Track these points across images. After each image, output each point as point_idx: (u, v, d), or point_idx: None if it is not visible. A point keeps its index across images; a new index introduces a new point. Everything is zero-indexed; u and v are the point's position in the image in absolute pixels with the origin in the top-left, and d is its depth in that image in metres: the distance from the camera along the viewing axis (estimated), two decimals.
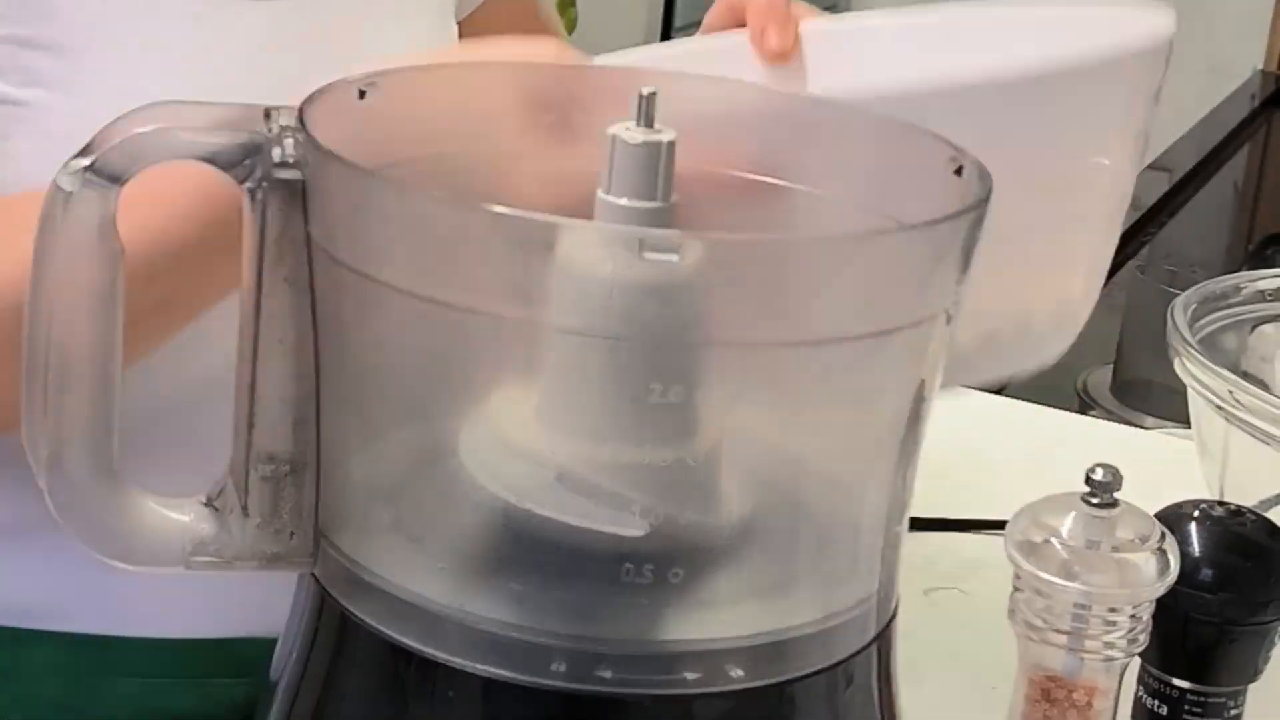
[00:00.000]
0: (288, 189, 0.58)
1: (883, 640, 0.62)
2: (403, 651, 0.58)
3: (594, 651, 0.56)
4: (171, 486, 0.62)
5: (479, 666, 0.57)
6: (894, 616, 0.63)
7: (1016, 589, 0.66)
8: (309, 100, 0.59)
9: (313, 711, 0.61)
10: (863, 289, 0.58)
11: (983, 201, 0.59)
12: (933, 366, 0.61)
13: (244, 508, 0.61)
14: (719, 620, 0.58)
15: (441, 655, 0.57)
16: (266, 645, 0.73)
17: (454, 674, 0.57)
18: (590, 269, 0.55)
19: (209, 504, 0.61)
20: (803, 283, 0.56)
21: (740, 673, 0.58)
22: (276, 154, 0.58)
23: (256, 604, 0.82)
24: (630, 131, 0.59)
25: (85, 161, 0.58)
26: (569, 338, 0.57)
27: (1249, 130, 2.32)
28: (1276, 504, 0.98)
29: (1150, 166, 2.13)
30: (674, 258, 0.54)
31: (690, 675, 0.57)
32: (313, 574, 0.61)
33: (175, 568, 0.61)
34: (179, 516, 0.61)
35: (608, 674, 0.57)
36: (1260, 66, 2.58)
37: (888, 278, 0.58)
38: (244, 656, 0.84)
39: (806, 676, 0.59)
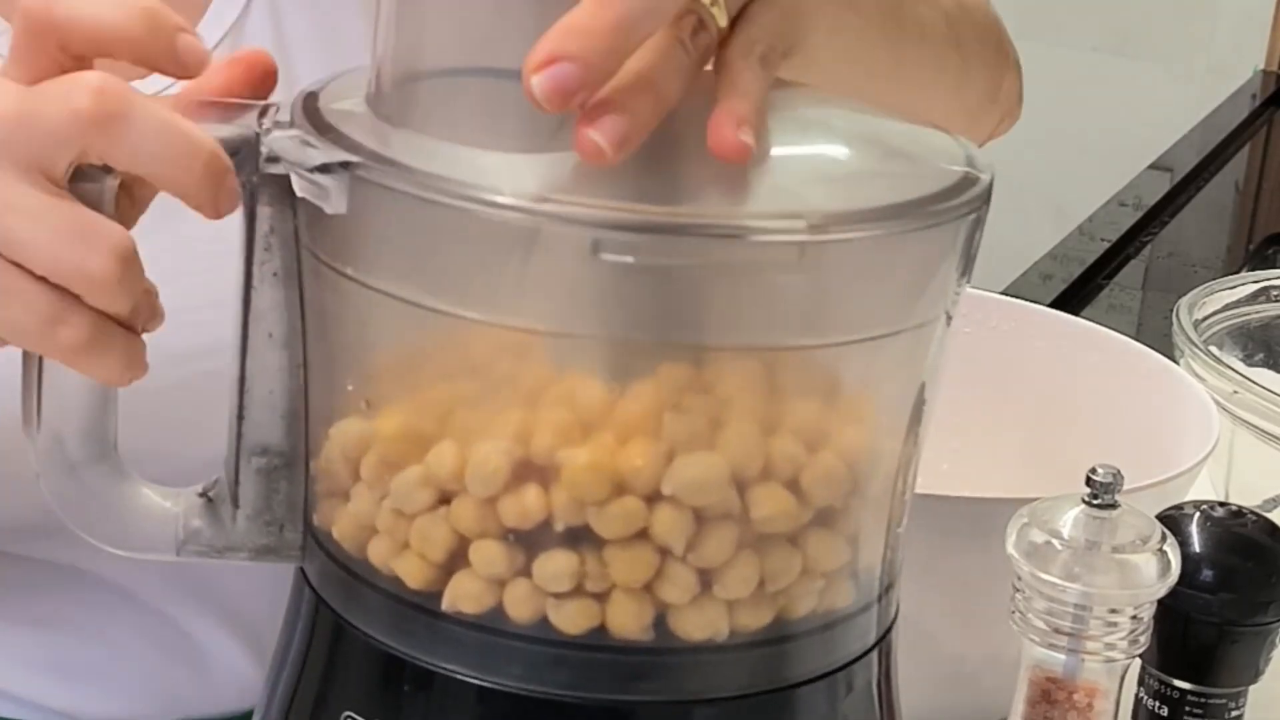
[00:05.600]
0: (277, 184, 0.58)
1: (884, 644, 0.61)
2: (394, 655, 0.58)
3: (593, 659, 0.56)
4: (183, 479, 0.62)
5: (470, 672, 0.57)
6: (895, 619, 0.62)
7: (1016, 590, 0.65)
8: (312, 97, 0.59)
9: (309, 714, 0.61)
10: (859, 292, 0.56)
11: (983, 202, 0.58)
12: (933, 369, 0.60)
13: (234, 500, 0.61)
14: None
15: (436, 662, 0.57)
16: None
17: (448, 681, 0.57)
18: (576, 269, 0.54)
19: (204, 494, 0.61)
20: (797, 285, 0.55)
21: (740, 678, 0.58)
22: (266, 148, 0.58)
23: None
24: None
25: None
26: (557, 341, 0.56)
27: (1250, 130, 2.32)
28: (1276, 506, 0.98)
29: (1151, 166, 2.13)
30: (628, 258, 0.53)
31: (690, 682, 0.57)
32: (303, 573, 0.61)
33: (167, 555, 0.61)
34: (173, 506, 0.61)
35: (608, 681, 0.56)
36: (1261, 66, 2.58)
37: (884, 280, 0.57)
38: None
39: (807, 682, 0.58)
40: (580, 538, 0.55)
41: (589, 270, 0.53)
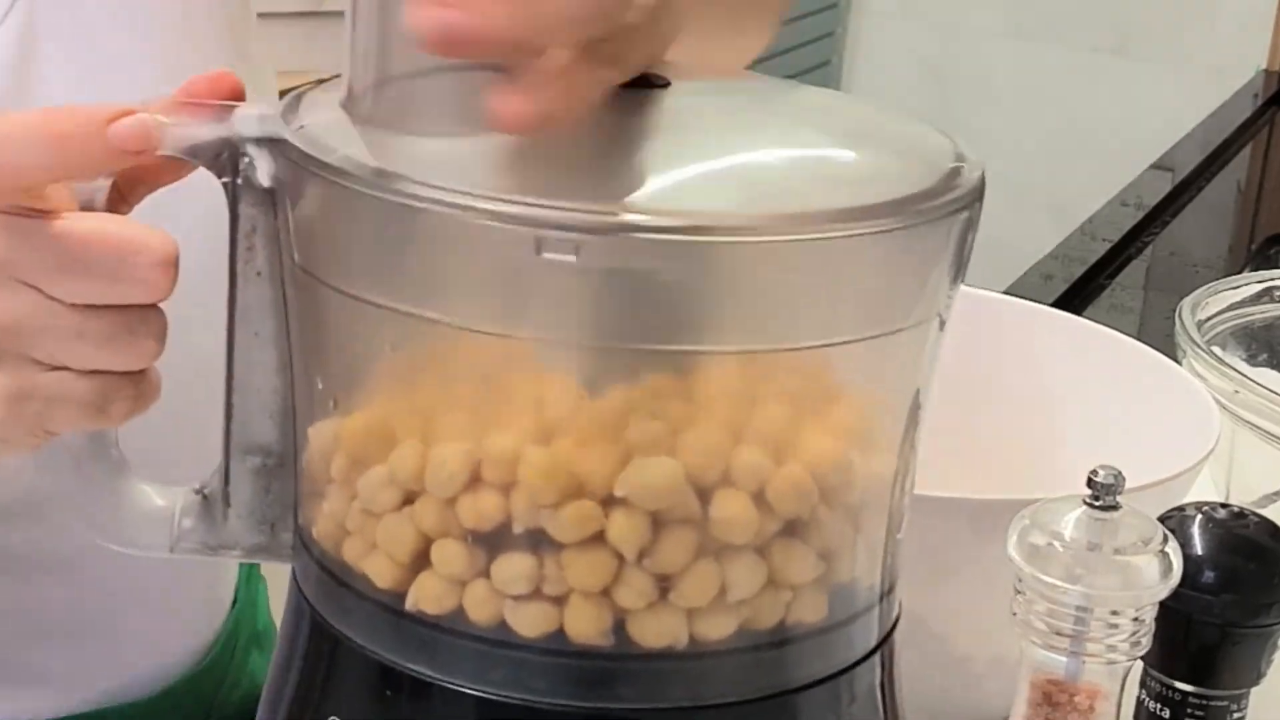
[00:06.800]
0: (258, 185, 0.58)
1: (885, 648, 0.61)
2: (371, 658, 0.58)
3: (592, 668, 0.56)
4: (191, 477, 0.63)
5: (461, 682, 0.56)
6: (896, 623, 0.62)
7: (1017, 591, 0.65)
8: (293, 99, 0.59)
9: None
10: (846, 292, 0.56)
11: (975, 201, 0.58)
12: (927, 373, 0.60)
13: (226, 499, 0.61)
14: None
15: (422, 670, 0.57)
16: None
17: (444, 691, 0.57)
18: (558, 269, 0.53)
19: (199, 493, 0.62)
20: (782, 285, 0.55)
21: (741, 684, 0.57)
22: (248, 150, 0.57)
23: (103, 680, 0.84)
24: None
25: None
26: (527, 345, 0.55)
27: (1252, 130, 2.32)
28: (1276, 500, 0.98)
29: (1153, 166, 2.13)
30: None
31: (686, 689, 0.56)
32: (293, 575, 0.61)
33: (161, 552, 0.62)
34: (167, 503, 0.62)
35: (605, 690, 0.56)
36: (1263, 66, 2.58)
37: (872, 281, 0.56)
38: None
39: (808, 687, 0.58)
40: (539, 541, 0.55)
41: (556, 272, 0.53)
